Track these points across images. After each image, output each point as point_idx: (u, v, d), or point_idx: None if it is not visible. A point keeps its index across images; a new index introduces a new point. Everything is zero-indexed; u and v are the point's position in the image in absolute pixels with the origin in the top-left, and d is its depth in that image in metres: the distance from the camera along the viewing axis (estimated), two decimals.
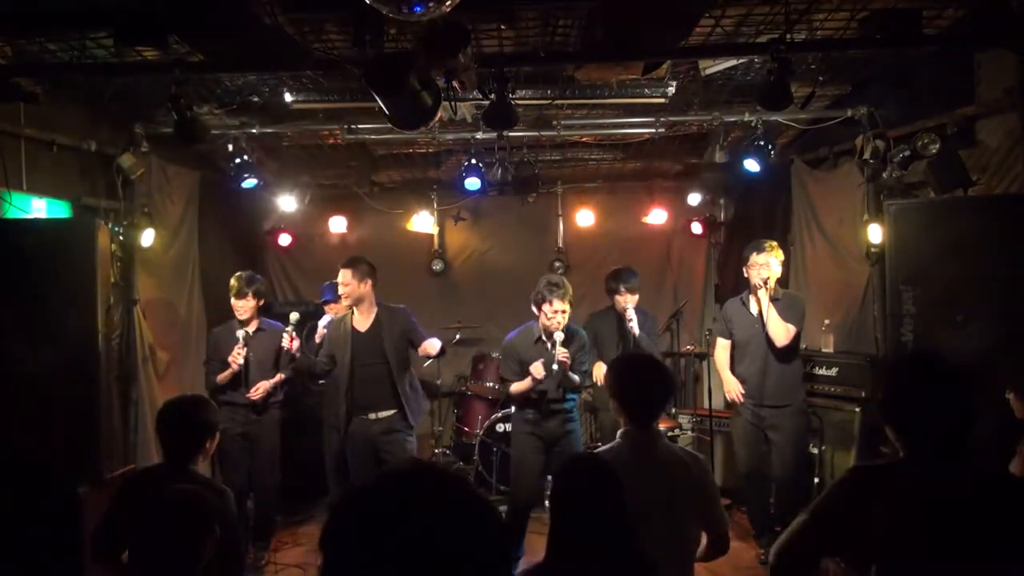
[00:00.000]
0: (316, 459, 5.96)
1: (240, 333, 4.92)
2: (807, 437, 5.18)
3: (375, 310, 4.80)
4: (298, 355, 5.05)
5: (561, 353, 4.54)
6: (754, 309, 4.97)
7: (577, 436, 4.84)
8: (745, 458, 5.06)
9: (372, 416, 4.69)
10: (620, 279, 5.36)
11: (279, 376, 5.11)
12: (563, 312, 4.59)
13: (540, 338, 4.74)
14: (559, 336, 4.58)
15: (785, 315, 4.85)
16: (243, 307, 4.98)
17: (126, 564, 2.62)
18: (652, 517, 2.47)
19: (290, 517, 5.96)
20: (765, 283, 4.83)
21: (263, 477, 5.13)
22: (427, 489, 1.02)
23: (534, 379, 4.56)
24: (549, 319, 4.60)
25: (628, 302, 5.28)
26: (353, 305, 4.78)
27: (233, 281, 5.05)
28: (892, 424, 2.02)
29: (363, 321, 4.79)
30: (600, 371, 5.27)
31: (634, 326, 5.15)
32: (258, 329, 5.09)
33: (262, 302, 5.12)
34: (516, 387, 4.74)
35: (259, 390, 4.95)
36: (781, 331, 4.83)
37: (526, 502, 4.79)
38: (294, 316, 5.07)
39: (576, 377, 4.74)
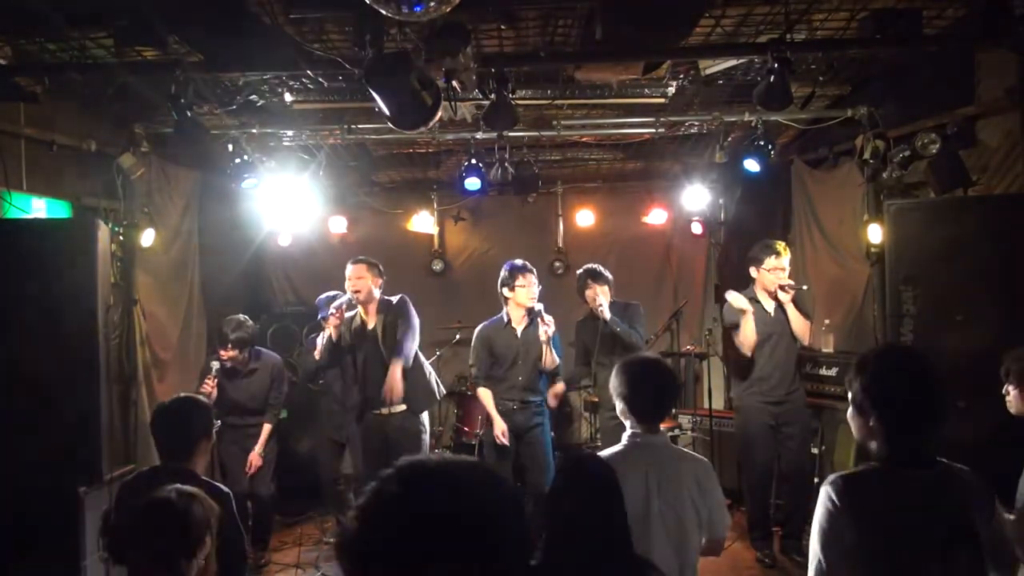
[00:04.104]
0: (313, 459, 5.97)
1: (214, 364, 4.89)
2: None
3: (379, 307, 4.82)
4: (210, 398, 4.74)
5: (546, 318, 4.67)
6: (768, 307, 4.98)
7: (545, 428, 4.92)
8: (763, 460, 5.00)
9: (385, 411, 4.73)
10: (587, 274, 5.21)
11: (266, 428, 5.09)
12: (535, 286, 4.79)
13: (509, 323, 4.88)
14: (540, 305, 4.73)
15: (801, 310, 4.95)
16: (224, 354, 4.95)
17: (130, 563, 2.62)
18: (656, 519, 2.47)
19: (289, 517, 5.97)
20: (786, 288, 4.89)
21: (260, 488, 5.16)
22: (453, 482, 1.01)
23: (498, 437, 4.75)
24: (524, 293, 4.75)
25: (598, 293, 5.08)
26: (364, 303, 4.76)
27: (222, 324, 5.03)
28: (876, 405, 2.04)
29: (369, 321, 4.81)
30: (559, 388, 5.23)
31: (604, 310, 4.99)
32: (251, 370, 5.07)
33: (246, 352, 5.05)
34: (485, 401, 4.88)
35: (251, 467, 5.00)
36: (806, 329, 4.95)
37: None
38: (215, 365, 4.92)
39: (556, 358, 4.82)
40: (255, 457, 5.00)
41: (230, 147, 5.49)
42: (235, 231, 7.15)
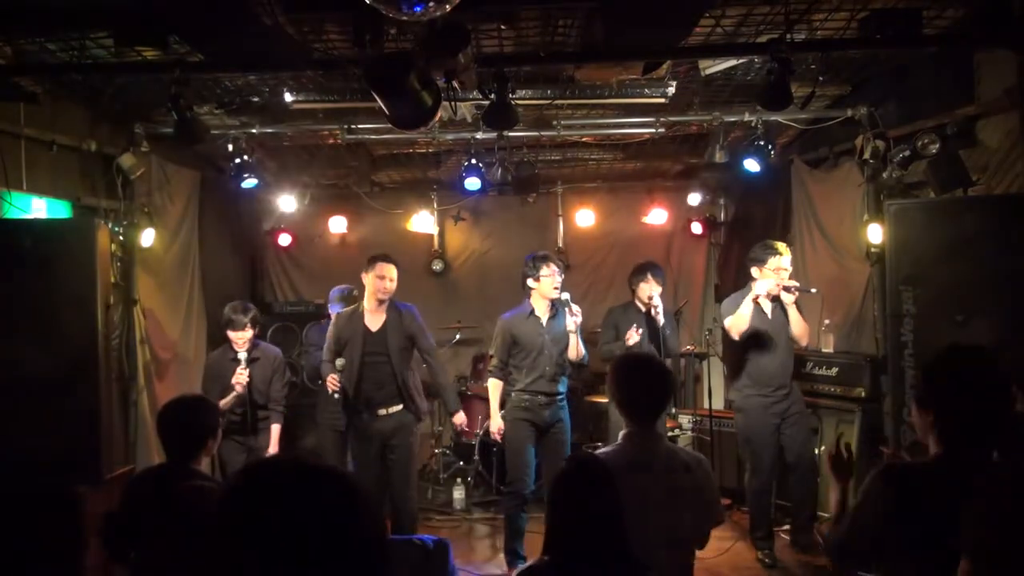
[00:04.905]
0: (318, 453, 5.96)
1: (242, 355, 4.75)
2: None
3: (386, 310, 4.82)
4: (240, 390, 4.70)
5: (574, 308, 4.68)
6: (767, 309, 4.99)
7: (567, 424, 4.93)
8: (770, 461, 4.99)
9: (382, 412, 4.73)
10: (647, 268, 5.44)
11: (275, 430, 4.96)
12: (559, 275, 4.76)
13: (533, 312, 4.85)
14: (566, 295, 4.73)
15: (800, 312, 4.97)
16: (242, 338, 4.82)
17: (134, 562, 2.62)
18: (653, 518, 2.47)
19: None
20: (791, 289, 4.88)
21: None
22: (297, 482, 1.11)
23: (495, 434, 5.04)
24: (549, 283, 4.73)
25: (654, 290, 5.29)
26: (382, 302, 4.78)
27: (228, 312, 4.87)
28: (936, 410, 2.04)
29: (375, 320, 4.79)
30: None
31: (660, 311, 5.18)
32: (253, 359, 4.90)
33: (258, 329, 4.99)
34: (492, 394, 4.97)
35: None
36: (806, 331, 4.99)
37: (523, 491, 4.82)
38: (243, 356, 4.76)
39: (583, 350, 4.82)
40: None
41: (230, 147, 5.50)
42: (235, 231, 7.17)
